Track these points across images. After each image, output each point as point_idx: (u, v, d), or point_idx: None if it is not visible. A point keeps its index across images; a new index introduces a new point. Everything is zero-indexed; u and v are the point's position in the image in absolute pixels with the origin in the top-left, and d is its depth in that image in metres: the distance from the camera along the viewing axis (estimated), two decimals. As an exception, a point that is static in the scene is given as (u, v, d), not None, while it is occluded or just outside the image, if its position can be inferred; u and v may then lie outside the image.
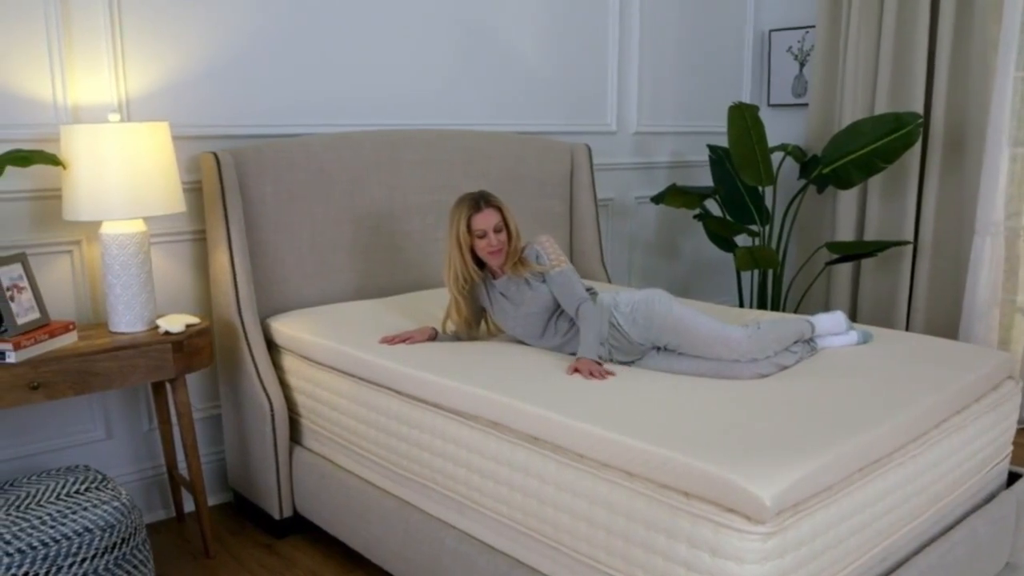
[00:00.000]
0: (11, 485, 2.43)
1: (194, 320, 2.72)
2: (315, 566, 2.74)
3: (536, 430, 2.06)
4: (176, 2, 2.86)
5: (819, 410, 2.06)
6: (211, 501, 3.13)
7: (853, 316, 4.47)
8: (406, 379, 2.42)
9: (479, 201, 2.58)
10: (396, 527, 2.47)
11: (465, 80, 3.67)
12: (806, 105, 4.58)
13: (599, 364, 2.39)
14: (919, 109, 4.06)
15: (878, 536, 2.00)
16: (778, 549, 1.68)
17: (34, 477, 2.47)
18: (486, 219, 2.56)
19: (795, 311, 4.31)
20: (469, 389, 2.24)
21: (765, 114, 4.86)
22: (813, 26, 4.50)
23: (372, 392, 2.54)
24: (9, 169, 2.51)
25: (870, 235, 4.29)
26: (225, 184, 2.85)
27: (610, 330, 2.55)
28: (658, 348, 2.52)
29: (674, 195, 3.85)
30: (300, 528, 2.92)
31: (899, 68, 4.14)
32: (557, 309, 2.62)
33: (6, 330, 2.38)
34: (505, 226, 2.58)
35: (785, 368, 2.42)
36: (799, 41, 4.65)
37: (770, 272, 4.06)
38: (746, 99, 4.80)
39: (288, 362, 2.91)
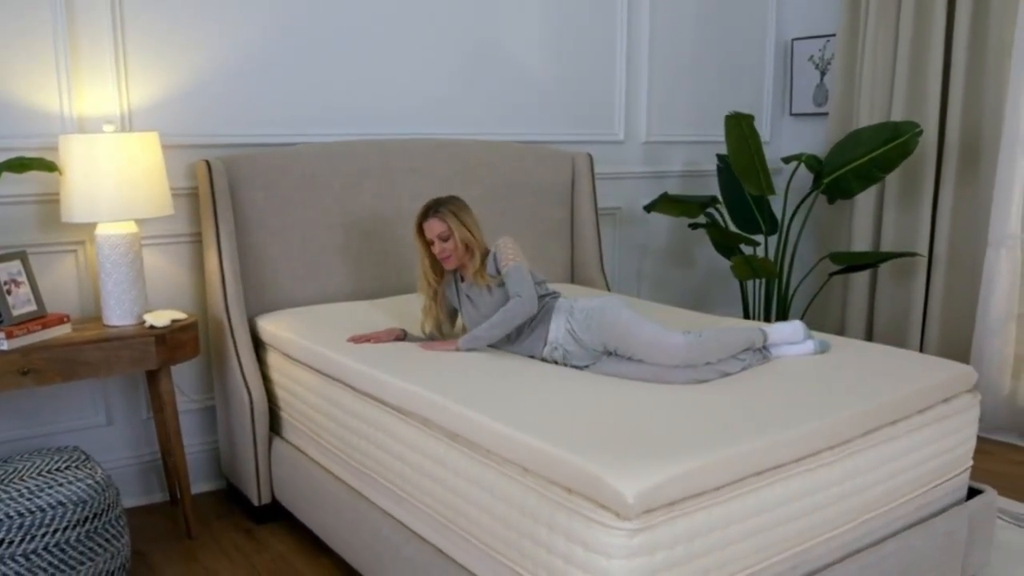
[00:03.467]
0: (5, 461, 2.67)
1: (180, 316, 2.93)
2: (285, 551, 2.90)
3: (454, 426, 2.16)
4: (176, 20, 3.08)
5: (728, 415, 2.09)
6: (205, 487, 3.34)
7: (869, 330, 4.40)
8: (355, 374, 2.56)
9: (428, 210, 2.72)
10: (346, 515, 2.60)
11: (466, 90, 3.79)
12: (827, 114, 4.52)
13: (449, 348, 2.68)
14: (934, 118, 3.98)
15: (785, 542, 2.02)
16: (647, 546, 1.73)
17: (27, 455, 2.71)
18: (430, 228, 2.71)
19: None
20: (402, 385, 2.36)
21: (787, 123, 4.84)
22: (834, 34, 4.45)
23: (331, 386, 2.69)
24: (25, 175, 2.78)
25: (886, 246, 4.22)
26: (216, 190, 3.04)
27: (564, 336, 2.63)
28: (609, 353, 2.58)
29: (665, 204, 3.88)
30: (281, 516, 3.08)
31: (915, 76, 4.06)
32: None
33: (2, 321, 2.62)
34: (452, 235, 2.69)
35: (728, 375, 2.45)
36: (820, 50, 4.60)
37: (775, 282, 4.03)
38: (767, 108, 4.78)
39: (272, 358, 3.08)
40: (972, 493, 2.62)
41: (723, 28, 4.56)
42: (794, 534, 2.04)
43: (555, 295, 2.80)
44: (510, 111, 3.93)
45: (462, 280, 2.83)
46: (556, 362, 2.64)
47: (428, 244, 2.77)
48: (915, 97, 4.06)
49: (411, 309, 3.15)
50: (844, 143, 3.82)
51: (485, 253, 2.78)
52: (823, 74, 4.60)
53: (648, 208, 3.98)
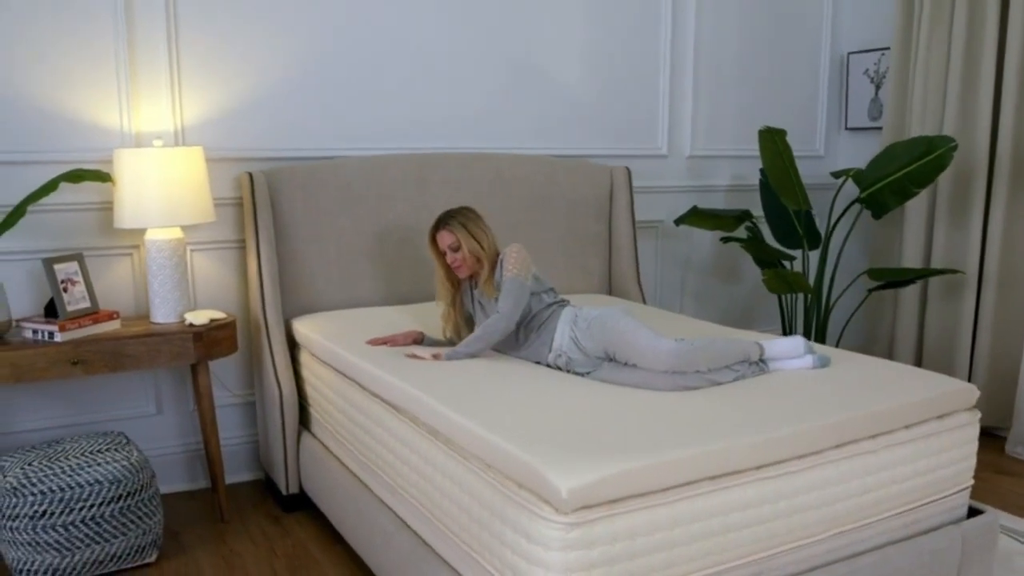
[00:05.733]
0: (56, 442, 2.96)
1: (219, 315, 3.17)
2: (306, 538, 3.09)
3: (433, 422, 2.30)
4: (226, 45, 3.35)
5: (695, 420, 2.15)
6: (245, 477, 3.59)
7: (919, 349, 4.29)
8: (362, 372, 2.73)
9: (439, 222, 2.88)
10: (353, 505, 2.77)
11: (506, 106, 3.92)
12: (881, 128, 4.45)
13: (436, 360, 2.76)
14: (986, 133, 3.88)
15: (741, 548, 2.06)
16: (584, 540, 1.81)
17: (75, 438, 2.99)
18: (441, 239, 2.87)
19: (838, 338, 4.21)
20: (393, 382, 2.51)
21: (843, 137, 4.78)
22: (889, 48, 4.38)
23: (345, 384, 2.87)
24: (84, 186, 3.11)
25: (936, 263, 4.12)
26: (257, 199, 3.28)
27: (568, 343, 2.73)
28: (610, 360, 2.66)
29: (696, 217, 3.91)
30: (308, 506, 3.28)
31: (967, 91, 3.97)
32: (520, 320, 2.82)
33: (57, 315, 2.92)
34: (461, 246, 2.83)
35: (718, 384, 2.49)
36: (875, 63, 4.53)
37: (813, 298, 3.99)
38: (822, 122, 4.73)
39: (304, 357, 3.30)
40: (976, 514, 2.57)
41: (774, 42, 4.55)
42: (752, 541, 2.07)
43: (562, 303, 2.91)
44: (550, 126, 4.05)
45: (475, 287, 2.97)
46: (560, 367, 2.74)
47: (441, 254, 2.93)
48: (967, 112, 3.96)
49: (438, 314, 3.30)
50: (880, 158, 3.77)
51: (496, 261, 2.91)
52: (878, 88, 4.53)
53: (678, 221, 4.02)
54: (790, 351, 2.70)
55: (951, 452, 2.45)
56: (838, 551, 2.25)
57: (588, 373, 2.67)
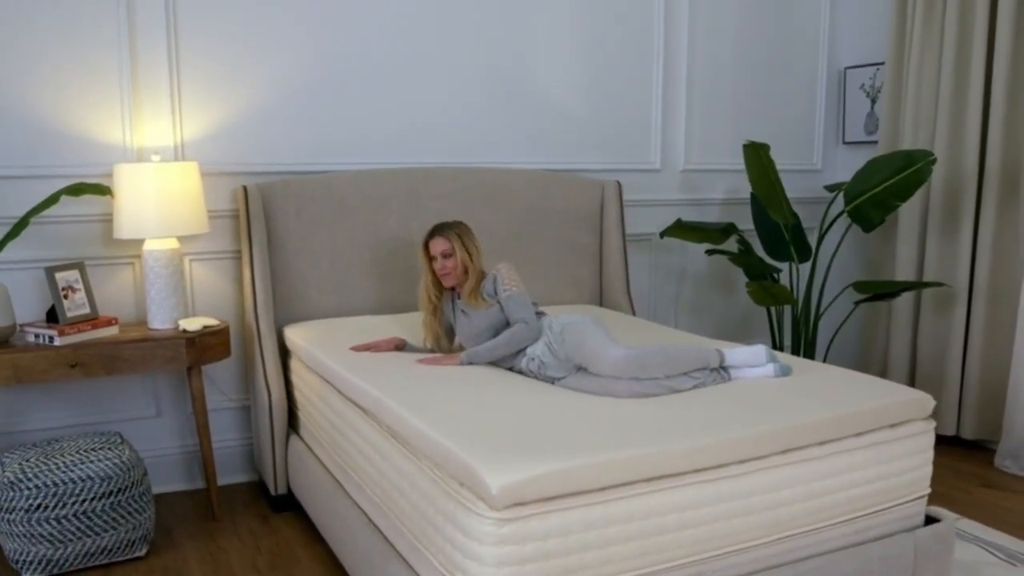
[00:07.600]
0: (56, 440, 3.13)
1: (212, 322, 3.32)
2: (291, 537, 3.21)
3: (391, 422, 2.40)
4: (224, 65, 3.52)
5: (637, 425, 2.22)
6: (240, 478, 3.73)
7: (912, 361, 4.29)
8: (336, 376, 2.85)
9: (435, 230, 3.02)
10: (330, 505, 2.88)
11: (497, 121, 4.03)
12: (877, 142, 4.48)
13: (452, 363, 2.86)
14: (975, 147, 3.90)
15: (679, 549, 2.12)
16: (516, 536, 1.90)
17: (73, 437, 3.15)
18: (435, 245, 2.99)
19: (826, 351, 4.23)
20: (357, 383, 2.64)
21: (840, 151, 4.81)
22: (884, 63, 4.42)
23: (324, 387, 3.00)
24: (86, 199, 3.28)
25: (929, 276, 4.13)
26: (251, 212, 3.43)
27: (543, 349, 2.82)
28: (580, 368, 2.75)
29: (680, 230, 3.97)
30: (296, 507, 3.40)
31: (957, 106, 3.99)
32: (502, 329, 2.92)
33: (57, 320, 3.09)
34: (454, 254, 2.95)
35: (677, 392, 2.56)
36: (871, 78, 4.56)
37: (801, 310, 4.03)
38: (819, 136, 4.77)
39: (294, 363, 3.43)
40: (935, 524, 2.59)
41: (771, 55, 4.60)
42: (692, 542, 2.13)
43: (541, 312, 3.01)
44: (543, 140, 4.15)
45: (458, 297, 3.07)
46: (532, 371, 2.82)
47: (431, 261, 3.04)
48: (957, 127, 3.98)
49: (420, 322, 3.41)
50: (863, 172, 3.81)
51: (481, 276, 3.02)
52: (874, 102, 4.56)
53: (663, 234, 4.09)
54: (751, 359, 2.75)
55: (904, 460, 2.48)
56: (784, 555, 2.30)
57: (561, 379, 2.74)
